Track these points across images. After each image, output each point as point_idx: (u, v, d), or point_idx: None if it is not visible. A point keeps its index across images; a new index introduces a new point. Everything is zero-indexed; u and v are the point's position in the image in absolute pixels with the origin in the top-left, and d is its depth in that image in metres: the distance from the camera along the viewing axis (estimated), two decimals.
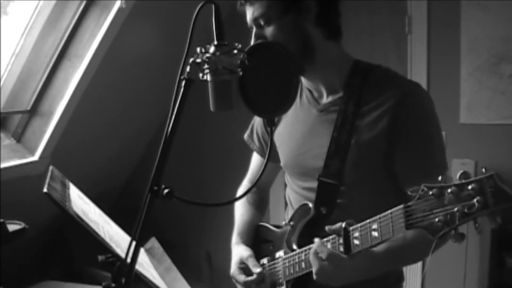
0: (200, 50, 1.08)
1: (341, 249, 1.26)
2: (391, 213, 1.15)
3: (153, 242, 2.23)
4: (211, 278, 3.33)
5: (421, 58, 2.94)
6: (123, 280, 1.07)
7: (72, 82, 2.51)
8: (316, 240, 1.32)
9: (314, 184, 1.45)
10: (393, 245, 1.30)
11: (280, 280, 1.51)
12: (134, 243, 1.04)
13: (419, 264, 2.98)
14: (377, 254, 1.29)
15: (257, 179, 1.23)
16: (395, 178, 1.39)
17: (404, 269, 1.60)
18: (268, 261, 1.56)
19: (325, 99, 1.48)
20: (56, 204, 1.24)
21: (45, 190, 1.24)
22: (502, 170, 2.36)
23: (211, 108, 1.12)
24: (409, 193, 1.08)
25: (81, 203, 1.41)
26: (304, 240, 1.42)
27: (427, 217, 1.04)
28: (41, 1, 2.41)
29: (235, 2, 1.44)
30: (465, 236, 1.01)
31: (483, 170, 0.98)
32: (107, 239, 1.32)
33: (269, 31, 1.37)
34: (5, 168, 2.38)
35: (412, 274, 3.01)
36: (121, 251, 1.30)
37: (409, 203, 1.09)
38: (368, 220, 1.21)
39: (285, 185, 1.66)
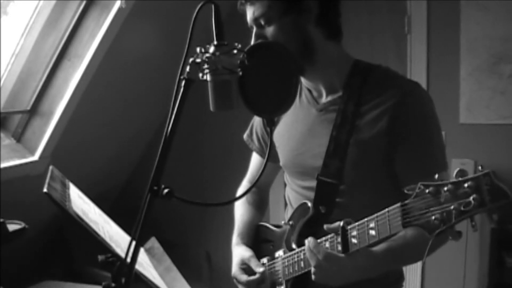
0: (200, 50, 1.08)
1: (339, 248, 1.26)
2: (388, 211, 1.15)
3: (153, 242, 2.23)
4: (211, 278, 3.33)
5: (421, 58, 2.94)
6: (123, 280, 1.07)
7: (72, 82, 2.51)
8: (309, 239, 1.31)
9: (313, 184, 1.45)
10: (393, 245, 1.30)
11: (280, 280, 1.51)
12: (134, 243, 1.04)
13: (419, 264, 2.98)
14: (378, 254, 1.29)
15: (256, 179, 1.22)
16: (395, 178, 1.39)
17: (404, 268, 1.60)
18: (268, 261, 1.57)
19: (325, 99, 1.48)
20: (56, 204, 1.24)
21: (45, 190, 1.24)
22: (501, 170, 2.37)
23: (211, 108, 1.12)
24: (406, 191, 1.08)
25: (81, 203, 1.41)
26: (304, 240, 1.41)
27: (424, 215, 1.05)
28: (41, 1, 2.41)
29: (235, 2, 1.44)
30: (462, 234, 1.01)
31: (480, 168, 0.98)
32: (107, 239, 1.32)
33: (269, 31, 1.37)
34: (5, 168, 2.38)
35: (412, 274, 3.01)
36: (121, 251, 1.30)
37: (406, 201, 1.09)
38: (365, 219, 1.21)
39: (285, 185, 1.66)
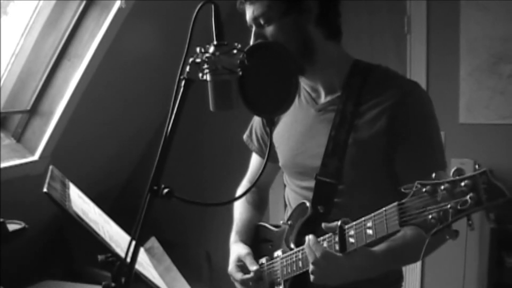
0: (200, 50, 1.08)
1: (337, 247, 1.26)
2: (385, 210, 1.15)
3: (152, 242, 2.23)
4: (210, 277, 3.34)
5: (421, 58, 2.94)
6: (123, 280, 1.07)
7: (72, 82, 2.51)
8: (309, 236, 1.31)
9: (312, 184, 1.45)
10: (393, 245, 1.30)
11: (278, 280, 1.51)
12: (134, 242, 1.04)
13: (419, 264, 2.98)
14: (377, 254, 1.29)
15: (256, 179, 1.22)
16: (394, 178, 1.39)
17: (404, 268, 1.60)
18: (267, 261, 1.57)
19: (324, 99, 1.48)
20: (56, 204, 1.25)
21: (45, 189, 1.24)
22: (501, 170, 2.37)
23: (211, 108, 1.12)
24: (402, 190, 1.08)
25: (81, 203, 1.41)
26: (302, 239, 1.41)
27: (421, 214, 1.04)
28: (41, 1, 2.42)
29: (234, 2, 1.44)
30: (459, 233, 1.01)
31: (477, 166, 0.98)
32: (107, 239, 1.32)
33: (269, 30, 1.37)
34: (5, 168, 2.38)
35: (412, 273, 3.01)
36: (121, 250, 1.30)
37: (403, 201, 1.09)
38: (363, 218, 1.21)
39: (285, 186, 1.66)
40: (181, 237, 3.35)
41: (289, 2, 1.36)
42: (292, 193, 1.59)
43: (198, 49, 1.08)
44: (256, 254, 1.60)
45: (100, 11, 2.45)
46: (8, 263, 2.21)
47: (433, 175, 1.04)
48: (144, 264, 1.54)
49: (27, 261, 2.76)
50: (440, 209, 1.00)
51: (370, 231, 1.19)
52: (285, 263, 1.48)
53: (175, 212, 2.90)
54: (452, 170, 1.00)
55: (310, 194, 1.46)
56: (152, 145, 3.36)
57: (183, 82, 1.06)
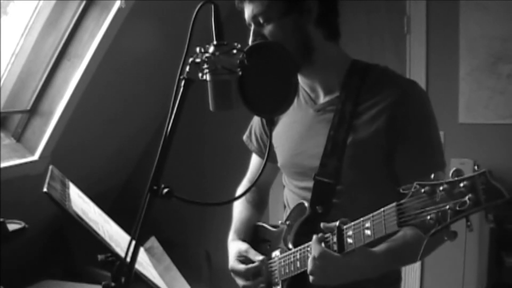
0: (200, 50, 1.08)
1: (335, 248, 1.25)
2: (383, 211, 1.14)
3: (152, 242, 2.23)
4: (210, 277, 3.34)
5: (420, 58, 2.95)
6: (123, 279, 1.07)
7: (72, 82, 2.51)
8: (314, 236, 1.31)
9: (310, 184, 1.45)
10: (393, 245, 1.30)
11: (276, 280, 1.51)
12: (133, 242, 1.04)
13: (418, 264, 2.98)
14: (377, 254, 1.29)
15: (256, 179, 1.22)
16: (393, 177, 1.39)
17: (403, 268, 1.60)
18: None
19: (322, 99, 1.48)
20: (56, 204, 1.25)
21: (45, 189, 1.24)
22: (500, 170, 2.37)
23: (211, 108, 1.12)
24: (401, 190, 1.08)
25: (80, 203, 1.41)
26: (300, 239, 1.42)
27: (419, 215, 1.04)
28: (41, 1, 2.42)
29: (234, 2, 1.44)
30: (457, 234, 1.00)
31: (476, 167, 0.98)
32: (107, 239, 1.32)
33: (268, 29, 1.37)
34: (5, 168, 2.38)
35: (411, 273, 3.02)
36: (120, 250, 1.30)
37: (402, 201, 1.08)
38: (361, 219, 1.20)
39: (284, 186, 1.66)
40: (181, 237, 3.35)
41: (289, 2, 1.36)
42: (290, 193, 1.59)
43: (198, 49, 1.08)
44: None
45: (100, 11, 2.45)
46: (8, 263, 2.21)
47: (432, 175, 1.04)
48: (144, 264, 1.54)
49: (27, 261, 2.76)
50: (439, 210, 1.00)
51: (368, 232, 1.18)
52: (283, 263, 1.48)
53: (175, 212, 2.90)
54: (451, 170, 1.00)
55: (308, 195, 1.46)
56: (152, 145, 3.36)
57: (183, 82, 1.06)
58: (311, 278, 1.29)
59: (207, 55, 1.07)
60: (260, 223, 1.70)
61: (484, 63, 2.83)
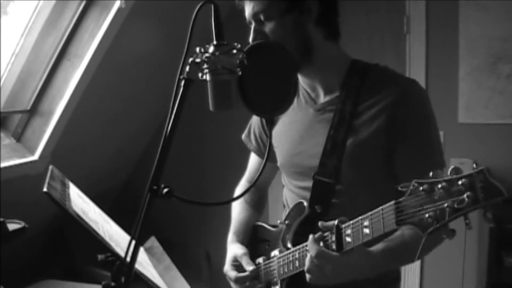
0: (200, 50, 1.08)
1: (334, 246, 1.25)
2: (382, 209, 1.14)
3: (152, 241, 2.24)
4: (210, 277, 3.34)
5: (420, 58, 2.95)
6: (123, 279, 1.07)
7: (72, 81, 2.52)
8: (310, 235, 1.30)
9: (310, 184, 1.45)
10: (391, 245, 1.30)
11: (275, 279, 1.51)
12: (133, 242, 1.04)
13: (418, 263, 2.99)
14: (375, 253, 1.28)
15: (256, 179, 1.22)
16: (392, 177, 1.39)
17: (403, 268, 1.60)
18: (264, 261, 1.56)
19: (322, 99, 1.48)
20: (56, 203, 1.25)
21: (45, 189, 1.25)
22: (500, 170, 2.37)
23: (211, 108, 1.12)
24: (400, 188, 1.07)
25: (80, 202, 1.41)
26: (299, 239, 1.42)
27: (418, 213, 1.03)
28: (41, 1, 2.42)
29: (234, 2, 1.44)
30: (456, 232, 1.00)
31: (474, 165, 0.97)
32: (107, 238, 1.32)
33: (269, 27, 1.37)
34: (5, 168, 2.38)
35: (411, 273, 3.02)
36: (120, 250, 1.30)
37: (400, 199, 1.08)
38: (360, 217, 1.20)
39: (283, 185, 1.66)
40: (180, 237, 3.35)
41: (290, 0, 1.36)
42: (290, 193, 1.59)
43: (197, 49, 1.08)
44: (253, 254, 1.60)
45: (100, 11, 2.45)
46: (8, 263, 2.21)
47: (431, 174, 1.03)
48: (144, 264, 1.54)
49: (27, 261, 2.76)
50: (437, 208, 1.00)
51: (367, 230, 1.18)
52: (281, 263, 1.48)
53: (175, 212, 2.91)
54: (450, 168, 1.00)
55: (308, 194, 1.46)
56: (152, 145, 3.37)
57: (182, 82, 1.06)
58: (308, 277, 1.28)
59: (207, 55, 1.07)
60: (259, 223, 1.70)
61: (484, 63, 2.83)
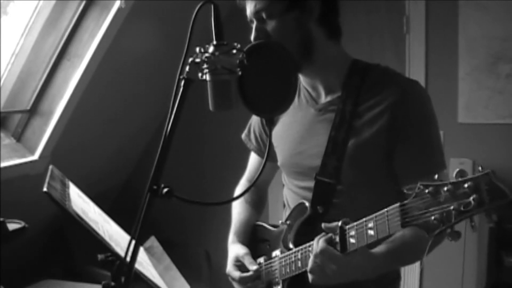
0: (199, 50, 1.08)
1: (338, 247, 1.25)
2: (387, 211, 1.14)
3: (152, 241, 2.24)
4: (210, 277, 3.34)
5: (419, 58, 2.95)
6: (123, 279, 1.07)
7: (71, 81, 2.52)
8: (317, 237, 1.30)
9: (311, 184, 1.45)
10: (392, 246, 1.30)
11: (277, 279, 1.51)
12: (133, 242, 1.04)
13: (417, 263, 2.98)
14: (377, 255, 1.29)
15: (255, 179, 1.22)
16: (393, 177, 1.39)
17: (403, 268, 1.60)
18: (265, 260, 1.57)
19: (324, 99, 1.48)
20: (56, 203, 1.25)
21: (45, 189, 1.25)
22: (499, 169, 2.36)
23: (210, 108, 1.12)
24: (405, 191, 1.08)
25: (80, 202, 1.41)
26: (301, 239, 1.42)
27: (423, 215, 1.04)
28: (41, 1, 2.42)
29: (234, 2, 1.44)
30: (461, 234, 1.01)
31: (480, 168, 0.98)
32: (107, 238, 1.33)
33: (270, 25, 1.37)
34: (5, 167, 2.38)
35: (410, 273, 3.02)
36: (120, 250, 1.30)
37: (405, 202, 1.09)
38: (364, 219, 1.20)
39: (283, 185, 1.66)
40: (180, 237, 3.35)
41: (292, 0, 1.36)
42: (290, 192, 1.59)
43: (197, 49, 1.08)
44: (254, 254, 1.60)
45: (100, 11, 2.45)
46: (8, 263, 2.22)
47: (436, 176, 1.04)
48: (144, 264, 1.54)
49: (27, 260, 2.76)
50: (443, 211, 1.01)
51: (371, 232, 1.18)
52: (283, 263, 1.48)
53: (175, 212, 2.91)
54: (455, 171, 1.01)
55: (308, 194, 1.46)
56: (152, 145, 3.37)
57: (182, 82, 1.06)
58: (310, 276, 1.28)
59: (207, 55, 1.07)
60: (260, 223, 1.70)
61: (483, 63, 2.83)
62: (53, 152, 2.62)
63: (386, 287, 1.51)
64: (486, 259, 2.54)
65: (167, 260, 2.20)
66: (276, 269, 1.51)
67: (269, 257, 1.56)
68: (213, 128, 3.22)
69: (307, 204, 1.45)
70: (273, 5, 1.35)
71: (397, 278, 1.56)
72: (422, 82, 2.90)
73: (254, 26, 1.40)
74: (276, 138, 1.59)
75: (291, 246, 1.46)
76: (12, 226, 1.92)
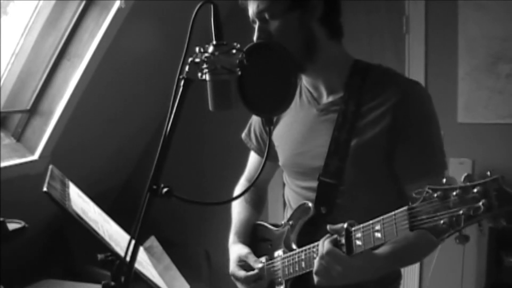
0: (199, 49, 1.08)
1: (344, 249, 1.25)
2: (395, 214, 1.15)
3: (152, 241, 2.23)
4: (210, 276, 3.34)
5: (419, 58, 2.95)
6: (123, 279, 1.07)
7: (71, 81, 2.52)
8: (324, 238, 1.31)
9: (313, 184, 1.45)
10: (395, 247, 1.30)
11: (279, 279, 1.51)
12: (133, 241, 1.04)
13: (417, 263, 2.99)
14: (379, 256, 1.29)
15: (255, 179, 1.22)
16: (395, 177, 1.40)
17: (402, 268, 1.60)
18: (266, 260, 1.57)
19: (326, 99, 1.48)
20: (55, 203, 1.25)
21: (45, 189, 1.25)
22: (499, 169, 2.37)
23: (210, 108, 1.12)
24: (414, 195, 1.08)
25: (80, 202, 1.41)
26: (304, 240, 1.42)
27: (432, 219, 1.05)
28: (41, 1, 2.42)
29: (234, 2, 1.44)
30: (469, 238, 1.02)
31: (488, 173, 0.98)
32: (107, 238, 1.33)
33: (273, 25, 1.37)
34: (5, 167, 2.38)
35: (410, 272, 3.02)
36: (120, 249, 1.30)
37: (413, 205, 1.09)
38: (370, 222, 1.21)
39: (284, 185, 1.66)
40: (180, 236, 3.35)
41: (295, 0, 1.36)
42: (292, 192, 1.59)
43: (197, 49, 1.08)
44: (255, 253, 1.59)
45: (100, 11, 2.45)
46: (8, 262, 2.22)
47: (444, 180, 1.05)
48: (144, 263, 1.54)
49: (27, 260, 2.76)
50: (452, 215, 1.01)
51: (378, 234, 1.19)
52: (286, 263, 1.48)
53: (175, 211, 2.91)
54: (463, 176, 1.01)
55: (310, 194, 1.46)
56: (152, 144, 3.37)
57: (182, 82, 1.06)
58: (316, 278, 1.29)
59: (206, 55, 1.07)
60: (261, 222, 1.70)
61: (483, 63, 2.83)
62: (53, 152, 2.62)
63: (387, 286, 1.51)
64: (485, 259, 2.54)
65: (166, 259, 2.20)
66: (278, 269, 1.51)
67: (270, 257, 1.56)
68: (213, 128, 3.22)
69: (310, 204, 1.45)
70: (276, 5, 1.35)
71: (398, 277, 1.56)
72: (421, 82, 2.89)
73: (256, 26, 1.40)
74: (278, 138, 1.59)
75: (294, 246, 1.46)
76: (12, 226, 1.92)
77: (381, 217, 1.18)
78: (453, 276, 2.95)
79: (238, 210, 1.74)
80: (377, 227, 1.19)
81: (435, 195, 1.04)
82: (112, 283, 1.10)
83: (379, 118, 1.37)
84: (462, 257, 2.90)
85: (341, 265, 1.24)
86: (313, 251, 1.37)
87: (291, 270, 1.46)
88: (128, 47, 2.67)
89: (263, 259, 1.58)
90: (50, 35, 2.50)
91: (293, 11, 1.36)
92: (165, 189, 1.03)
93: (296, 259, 1.43)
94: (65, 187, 1.42)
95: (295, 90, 1.39)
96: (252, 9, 1.39)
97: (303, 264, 1.41)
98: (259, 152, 1.74)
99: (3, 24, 2.36)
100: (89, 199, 1.54)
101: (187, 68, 1.07)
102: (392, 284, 1.54)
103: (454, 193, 1.01)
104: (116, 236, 1.43)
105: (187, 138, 2.52)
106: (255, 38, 1.39)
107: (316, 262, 1.28)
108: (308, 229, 1.44)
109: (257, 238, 1.67)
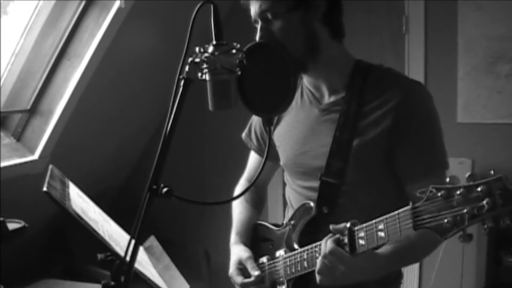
0: (199, 49, 1.08)
1: (347, 249, 1.25)
2: (398, 213, 1.14)
3: (152, 241, 2.23)
4: (209, 276, 3.34)
5: (419, 57, 2.95)
6: (122, 278, 1.07)
7: (71, 81, 2.52)
8: (326, 237, 1.30)
9: (315, 184, 1.45)
10: (397, 246, 1.30)
11: (281, 279, 1.51)
12: (133, 241, 1.04)
13: (417, 263, 2.99)
14: (382, 255, 1.29)
15: (255, 178, 1.22)
16: (397, 177, 1.40)
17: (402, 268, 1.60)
18: (268, 260, 1.57)
19: (327, 99, 1.48)
20: (55, 203, 1.25)
21: (44, 189, 1.25)
22: (498, 169, 2.37)
23: (210, 108, 1.12)
24: (417, 194, 1.08)
25: (80, 202, 1.41)
26: (305, 239, 1.42)
27: (436, 218, 1.05)
28: (41, 1, 2.42)
29: (234, 2, 1.45)
30: (473, 237, 1.02)
31: (492, 172, 0.99)
32: (107, 238, 1.33)
33: (276, 25, 1.36)
34: (5, 167, 2.39)
35: (410, 272, 3.02)
36: (120, 249, 1.30)
37: (417, 204, 1.09)
38: (374, 221, 1.20)
39: (284, 184, 1.66)
40: (180, 236, 3.35)
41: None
42: (293, 192, 1.58)
43: (197, 49, 1.08)
44: (256, 253, 1.60)
45: (100, 11, 2.46)
46: (8, 262, 2.22)
47: (447, 179, 1.05)
48: (143, 263, 1.54)
49: (27, 260, 2.76)
50: (456, 214, 1.02)
51: (381, 234, 1.19)
52: (288, 263, 1.48)
53: (174, 211, 2.91)
54: (466, 175, 1.02)
55: (312, 194, 1.46)
56: (152, 144, 3.37)
57: (182, 82, 1.06)
58: (318, 277, 1.29)
59: (206, 54, 1.07)
60: (261, 222, 1.70)
61: (482, 63, 2.84)
62: (53, 152, 2.62)
63: (388, 285, 1.51)
64: (485, 259, 2.55)
65: (166, 259, 2.20)
66: (280, 269, 1.51)
67: (272, 257, 1.56)
68: (213, 128, 3.22)
69: (312, 204, 1.45)
70: (279, 5, 1.35)
71: (398, 276, 1.56)
72: (421, 82, 2.90)
73: (259, 26, 1.40)
74: (279, 138, 1.59)
75: (295, 246, 1.46)
76: (12, 226, 1.92)
77: (384, 217, 1.18)
78: (453, 275, 2.95)
79: (239, 210, 1.74)
80: (381, 227, 1.19)
81: (439, 194, 1.04)
82: (112, 283, 1.10)
83: (380, 118, 1.37)
84: (461, 256, 2.91)
85: (344, 264, 1.24)
86: (315, 251, 1.37)
87: (293, 270, 1.46)
88: (128, 47, 2.68)
89: (264, 259, 1.58)
90: (50, 35, 2.50)
91: (296, 11, 1.36)
92: (165, 189, 1.03)
93: (298, 259, 1.43)
94: (65, 187, 1.42)
95: (295, 90, 1.39)
96: (254, 9, 1.39)
97: (305, 263, 1.41)
98: (260, 152, 1.74)
99: (3, 24, 2.37)
100: (89, 199, 1.54)
101: (187, 68, 1.06)
102: (393, 283, 1.54)
103: (458, 192, 1.01)
104: (116, 236, 1.43)
105: (187, 138, 2.52)
106: (257, 38, 1.38)
107: (318, 261, 1.28)
108: (310, 229, 1.44)
109: (258, 238, 1.67)
